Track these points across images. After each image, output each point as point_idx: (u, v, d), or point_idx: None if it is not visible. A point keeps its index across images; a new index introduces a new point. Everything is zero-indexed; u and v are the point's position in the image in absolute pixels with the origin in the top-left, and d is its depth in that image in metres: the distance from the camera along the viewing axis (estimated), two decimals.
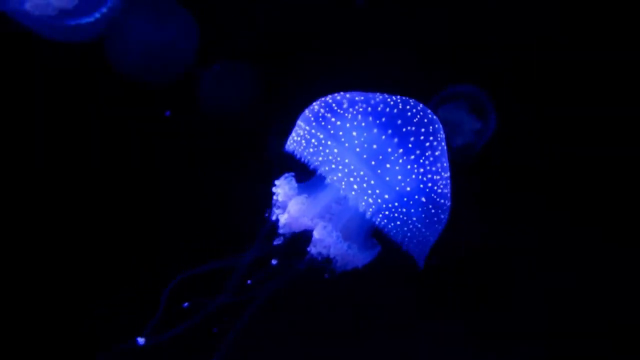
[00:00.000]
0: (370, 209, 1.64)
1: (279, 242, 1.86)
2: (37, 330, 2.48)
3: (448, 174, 1.77)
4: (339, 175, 1.66)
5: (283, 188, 1.84)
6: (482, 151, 2.77)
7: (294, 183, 1.86)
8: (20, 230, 2.58)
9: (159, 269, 2.03)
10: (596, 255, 2.74)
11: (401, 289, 2.72)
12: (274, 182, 1.88)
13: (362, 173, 1.65)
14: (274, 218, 1.87)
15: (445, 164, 1.76)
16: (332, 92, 1.85)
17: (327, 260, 1.80)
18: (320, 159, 1.70)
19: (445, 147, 1.79)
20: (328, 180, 1.67)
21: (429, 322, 2.71)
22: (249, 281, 1.88)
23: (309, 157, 1.73)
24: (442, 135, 1.79)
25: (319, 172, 1.71)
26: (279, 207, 1.85)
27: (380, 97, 1.76)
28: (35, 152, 2.61)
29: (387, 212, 1.65)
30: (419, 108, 1.75)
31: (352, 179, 1.65)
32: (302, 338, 2.62)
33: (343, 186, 1.65)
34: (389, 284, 2.65)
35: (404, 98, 1.78)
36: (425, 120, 1.73)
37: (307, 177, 1.94)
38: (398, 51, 2.74)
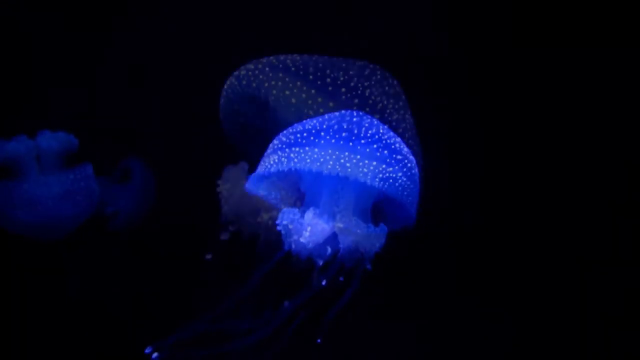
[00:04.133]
0: (369, 177, 1.88)
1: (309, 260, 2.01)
2: None
3: (399, 138, 2.07)
4: (331, 163, 1.89)
5: (288, 218, 2.00)
6: None
7: (294, 209, 2.02)
8: None
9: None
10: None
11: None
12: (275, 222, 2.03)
13: (346, 154, 1.90)
14: (292, 246, 2.00)
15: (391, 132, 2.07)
16: None
17: (356, 251, 1.98)
18: (309, 160, 1.91)
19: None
20: (325, 172, 1.87)
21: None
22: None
23: (297, 166, 1.92)
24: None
25: (314, 171, 1.91)
26: (293, 235, 1.99)
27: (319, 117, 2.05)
28: None
29: (381, 175, 1.90)
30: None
31: (342, 161, 1.89)
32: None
33: (339, 169, 1.87)
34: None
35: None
36: (365, 115, 2.05)
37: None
38: None
